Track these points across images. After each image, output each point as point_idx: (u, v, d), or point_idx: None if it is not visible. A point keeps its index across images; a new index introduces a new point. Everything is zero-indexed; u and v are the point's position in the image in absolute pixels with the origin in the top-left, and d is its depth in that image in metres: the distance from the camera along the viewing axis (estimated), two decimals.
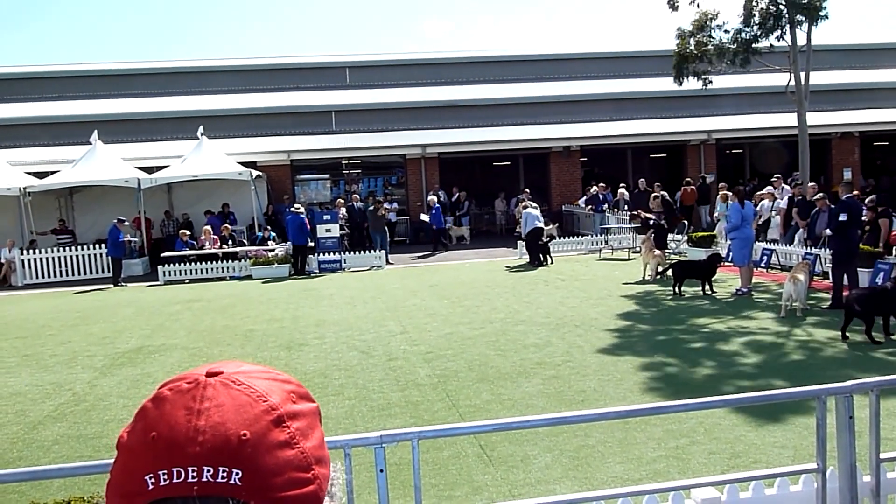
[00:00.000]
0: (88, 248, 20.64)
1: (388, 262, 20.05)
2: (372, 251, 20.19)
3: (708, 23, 19.10)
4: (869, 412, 3.65)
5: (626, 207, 22.80)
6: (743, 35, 18.89)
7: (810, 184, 15.95)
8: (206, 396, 0.83)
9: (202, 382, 0.84)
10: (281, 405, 0.84)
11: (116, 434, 4.20)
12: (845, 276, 11.37)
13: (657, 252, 15.64)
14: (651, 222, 18.31)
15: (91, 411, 7.71)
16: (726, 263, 14.72)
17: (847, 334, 9.10)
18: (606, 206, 23.46)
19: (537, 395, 7.48)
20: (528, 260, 18.49)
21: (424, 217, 22.94)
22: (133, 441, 0.84)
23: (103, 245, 19.95)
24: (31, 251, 20.48)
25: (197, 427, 0.80)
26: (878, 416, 3.64)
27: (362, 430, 6.64)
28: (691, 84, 20.73)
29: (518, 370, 8.45)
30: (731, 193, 15.03)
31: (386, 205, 23.51)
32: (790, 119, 21.30)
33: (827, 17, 18.18)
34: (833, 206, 13.17)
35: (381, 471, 3.10)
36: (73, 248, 20.85)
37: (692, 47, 19.20)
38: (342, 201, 23.67)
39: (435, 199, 23.05)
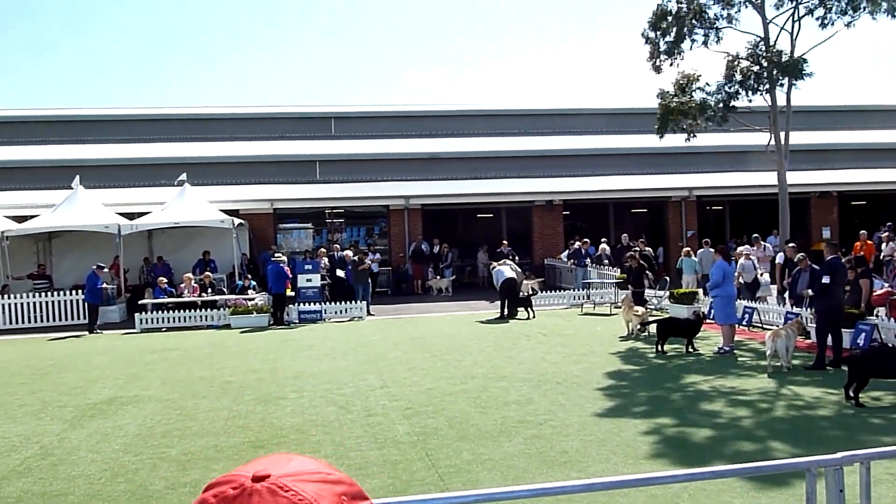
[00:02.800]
0: (65, 294, 20.32)
1: (369, 313, 19.89)
2: (353, 301, 20.02)
3: (690, 84, 19.44)
4: (859, 485, 3.57)
5: (607, 262, 22.87)
6: (724, 92, 19.20)
7: (790, 244, 16.06)
8: None
9: (248, 489, 0.80)
10: None
11: (83, 491, 4.04)
12: (829, 336, 11.37)
13: (638, 309, 15.62)
14: (632, 277, 18.32)
15: (58, 466, 7.44)
16: (708, 321, 14.71)
17: (850, 395, 9.00)
18: (588, 260, 23.52)
19: (519, 455, 7.32)
20: (507, 313, 18.37)
21: (340, 273, 22.00)
22: None
23: (81, 291, 19.65)
24: (5, 296, 20.12)
25: None
26: (868, 488, 3.56)
27: None
28: (673, 141, 21.03)
29: (499, 429, 8.29)
30: (713, 250, 15.13)
31: (369, 256, 23.44)
32: (770, 177, 21.62)
33: (811, 75, 18.52)
34: (815, 266, 13.27)
35: None
36: (49, 293, 20.52)
37: (673, 108, 19.49)
38: (324, 251, 23.58)
39: (349, 253, 22.48)
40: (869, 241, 20.54)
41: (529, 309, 18.56)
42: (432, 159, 29.35)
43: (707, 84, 19.52)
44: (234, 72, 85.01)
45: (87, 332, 18.19)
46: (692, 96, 19.40)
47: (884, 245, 20.13)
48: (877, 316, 13.14)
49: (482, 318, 18.39)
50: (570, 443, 7.68)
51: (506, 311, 18.41)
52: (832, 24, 18.84)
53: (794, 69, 18.31)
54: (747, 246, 19.63)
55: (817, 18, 18.87)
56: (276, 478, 0.81)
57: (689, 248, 21.12)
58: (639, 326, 15.07)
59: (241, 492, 0.80)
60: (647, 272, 18.76)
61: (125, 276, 21.91)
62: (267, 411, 9.49)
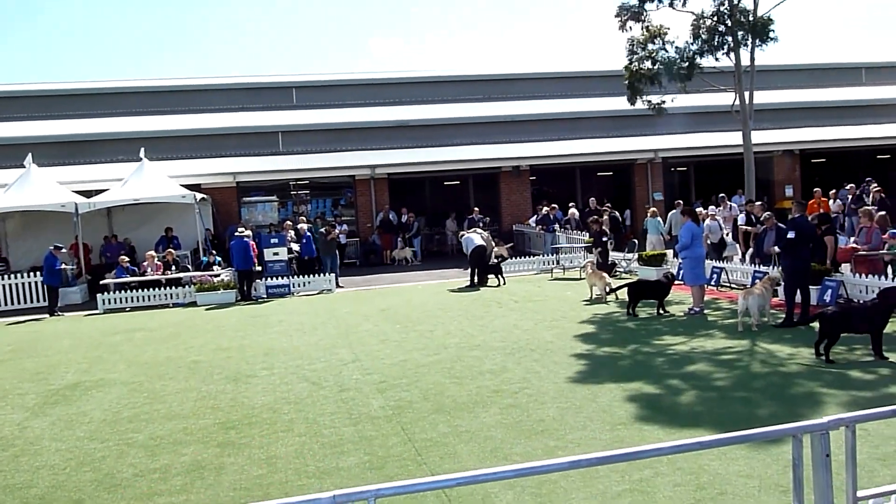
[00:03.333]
0: (23, 277, 19.76)
1: (338, 286, 19.68)
2: (322, 274, 19.77)
3: (659, 36, 19.27)
4: (845, 449, 3.52)
5: (575, 226, 22.88)
6: (689, 51, 19.10)
7: (757, 202, 16.15)
8: None
9: None
10: None
11: (47, 483, 3.80)
12: (798, 293, 11.45)
13: (601, 273, 15.62)
14: (603, 239, 18.35)
15: (21, 457, 7.19)
16: (677, 282, 14.76)
17: (821, 352, 9.07)
18: (557, 225, 23.50)
19: (496, 425, 7.24)
20: (477, 281, 18.31)
21: (295, 246, 21.13)
22: None
23: (39, 273, 19.11)
24: None
25: None
26: (854, 452, 3.51)
27: (314, 470, 6.32)
28: (639, 103, 20.95)
29: (475, 399, 8.20)
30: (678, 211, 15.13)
31: (337, 227, 23.15)
32: (735, 137, 21.70)
33: (776, 40, 18.53)
34: (781, 224, 13.33)
35: None
36: (6, 276, 19.93)
37: (642, 64, 19.31)
38: (290, 224, 23.23)
39: (305, 227, 21.88)
40: (824, 199, 20.68)
41: (500, 276, 18.50)
42: (398, 127, 28.98)
43: (677, 37, 19.40)
44: (190, 42, 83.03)
45: (47, 315, 17.74)
46: (664, 48, 19.21)
47: (831, 202, 20.43)
48: (842, 272, 13.27)
49: (453, 287, 18.30)
50: (547, 411, 7.62)
51: (476, 278, 18.33)
52: None
53: (761, 31, 18.27)
54: (713, 207, 19.73)
55: None
56: None
57: (654, 209, 21.16)
58: (606, 290, 15.05)
59: None
60: (610, 237, 18.81)
61: (88, 256, 21.38)
62: (237, 390, 9.30)
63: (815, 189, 21.17)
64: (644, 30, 19.30)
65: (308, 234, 21.28)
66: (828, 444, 3.45)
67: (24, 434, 7.97)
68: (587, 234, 20.99)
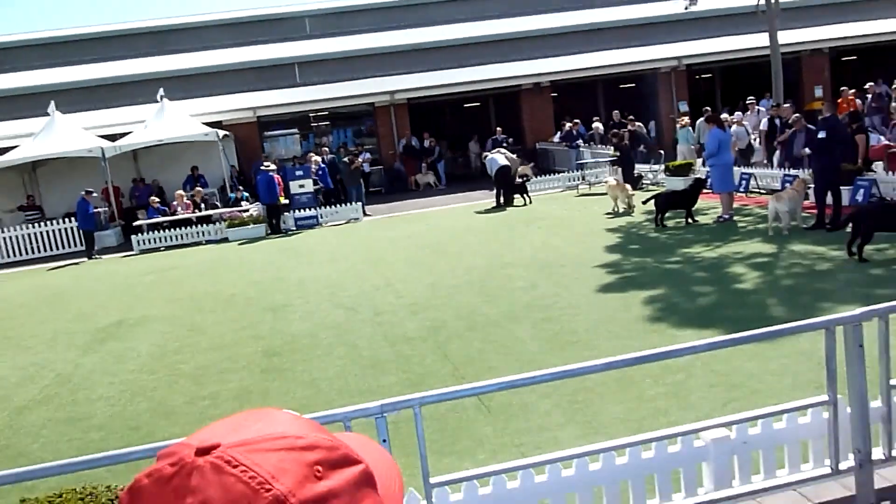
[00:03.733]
0: (58, 223, 20.14)
1: (365, 214, 19.81)
2: (348, 203, 19.89)
3: None
4: (879, 338, 3.57)
5: (600, 141, 22.63)
6: None
7: (786, 104, 15.80)
8: (190, 488, 0.60)
9: (188, 466, 0.61)
10: (295, 490, 0.61)
11: (105, 413, 4.01)
12: (829, 195, 11.32)
13: (624, 185, 15.68)
14: (616, 156, 18.22)
15: (77, 392, 7.52)
16: (706, 191, 14.64)
17: (853, 251, 9.03)
18: (581, 141, 23.24)
19: (529, 339, 7.40)
20: (503, 201, 18.31)
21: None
22: None
23: (73, 219, 19.46)
24: None
25: None
26: (887, 342, 3.57)
27: (355, 389, 6.54)
28: (659, 9, 20.36)
29: (507, 315, 8.35)
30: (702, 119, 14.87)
31: (360, 156, 23.12)
32: (760, 39, 21.05)
33: None
34: (811, 126, 13.08)
35: (384, 441, 2.97)
36: (42, 223, 20.34)
37: None
38: (313, 155, 23.24)
39: (318, 158, 21.29)
40: (851, 98, 20.08)
41: (525, 195, 18.46)
42: (414, 51, 28.51)
43: None
44: None
45: (85, 259, 18.14)
46: None
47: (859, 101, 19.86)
48: (874, 171, 13.05)
49: (479, 209, 18.33)
50: (579, 323, 7.75)
51: (502, 199, 18.32)
52: None
53: None
54: (739, 113, 19.33)
55: None
56: (224, 449, 0.61)
57: (685, 119, 20.77)
58: (629, 202, 15.05)
59: (180, 469, 0.61)
60: (633, 150, 18.59)
61: (119, 199, 21.68)
62: (276, 319, 9.55)
63: (842, 88, 20.54)
64: None
65: (323, 165, 21.24)
66: (860, 334, 3.51)
67: (77, 371, 8.32)
68: (611, 148, 20.81)
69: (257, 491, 0.60)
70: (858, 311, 3.44)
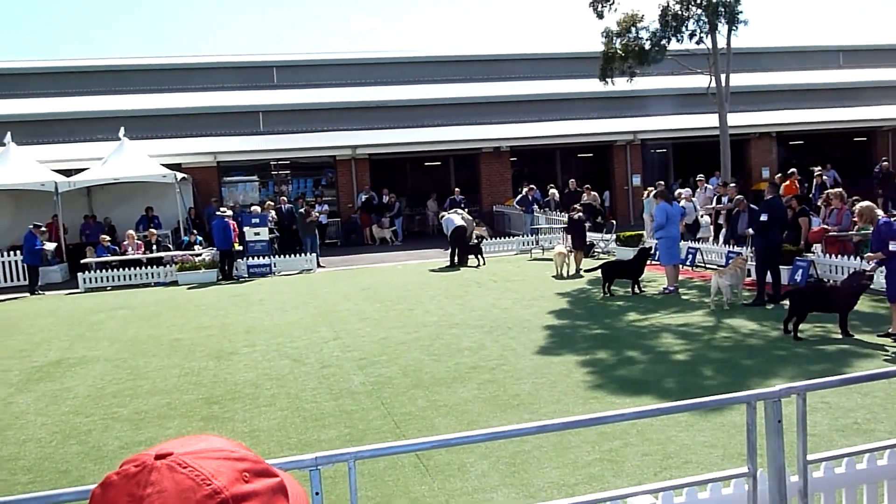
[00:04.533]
0: (2, 256, 19.68)
1: (319, 266, 19.80)
2: (302, 254, 19.88)
3: (634, 25, 19.51)
4: (796, 415, 3.74)
5: (555, 207, 23.11)
6: (657, 36, 19.36)
7: (732, 184, 16.44)
8: (150, 482, 0.81)
9: (148, 466, 0.82)
10: (227, 487, 0.82)
11: (35, 455, 4.01)
12: (768, 274, 11.75)
13: (560, 250, 16.35)
14: (575, 216, 18.60)
15: (6, 431, 7.32)
16: (654, 262, 15.05)
17: (789, 328, 9.36)
18: (536, 206, 23.70)
19: (473, 400, 7.47)
20: (457, 261, 18.53)
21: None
22: None
23: (18, 252, 19.05)
24: None
25: None
26: (804, 418, 3.74)
27: (295, 442, 6.51)
28: (618, 85, 21.14)
29: (453, 375, 8.42)
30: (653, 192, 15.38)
31: (317, 207, 23.20)
32: (712, 119, 21.95)
33: (745, 23, 18.81)
34: (753, 206, 13.62)
35: (317, 493, 3.01)
36: None
37: (618, 48, 19.58)
38: (271, 203, 23.25)
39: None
40: (796, 180, 20.84)
41: (479, 256, 18.70)
42: (378, 108, 28.97)
43: (652, 22, 19.58)
44: (170, 20, 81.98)
45: (28, 294, 17.72)
46: (637, 35, 19.45)
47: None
48: (814, 253, 13.59)
49: (433, 267, 18.48)
50: (523, 386, 7.86)
51: (456, 258, 18.52)
52: None
53: (729, 15, 18.51)
54: (687, 189, 20.00)
55: None
56: (178, 455, 0.83)
57: (651, 189, 21.37)
58: (564, 264, 15.92)
59: (142, 469, 0.83)
60: (587, 219, 18.98)
61: (65, 235, 21.30)
62: (220, 367, 9.45)
63: (790, 171, 21.42)
64: (617, 19, 19.55)
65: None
66: (779, 410, 3.68)
67: (9, 409, 8.10)
68: (566, 216, 21.28)
69: (200, 485, 0.81)
70: (778, 387, 3.62)
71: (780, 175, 20.52)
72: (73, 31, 77.32)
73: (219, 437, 0.90)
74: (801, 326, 9.33)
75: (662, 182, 20.09)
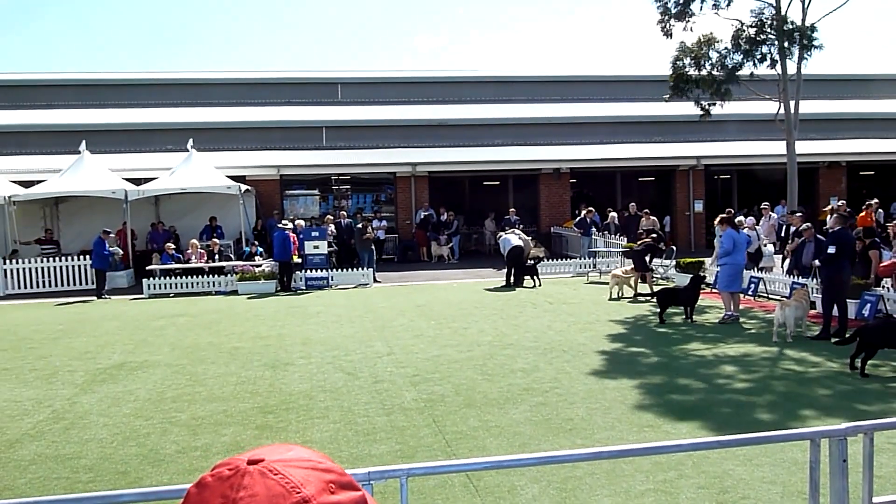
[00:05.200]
0: (73, 259, 20.43)
1: (375, 280, 19.97)
2: (359, 268, 20.10)
3: (709, 45, 19.24)
4: (863, 455, 3.62)
5: (614, 231, 22.88)
6: (728, 62, 19.03)
7: (798, 213, 16.01)
8: (243, 485, 0.85)
9: (241, 470, 0.87)
10: (315, 497, 0.86)
11: (95, 454, 4.14)
12: (835, 307, 11.38)
13: (617, 273, 16.42)
14: (640, 248, 18.32)
15: (70, 430, 7.56)
16: (712, 290, 14.73)
17: (856, 365, 9.06)
18: (595, 229, 23.50)
19: (524, 422, 7.40)
20: (513, 281, 18.47)
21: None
22: None
23: (88, 256, 19.75)
24: (13, 261, 20.24)
25: None
26: (871, 459, 3.61)
27: (347, 455, 6.55)
28: (682, 109, 20.87)
29: (505, 396, 8.37)
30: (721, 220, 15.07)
31: (374, 223, 23.47)
32: (779, 147, 21.47)
33: (820, 48, 18.38)
34: (821, 237, 13.25)
35: None
36: (56, 258, 20.63)
37: (688, 67, 19.30)
38: (331, 218, 23.61)
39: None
40: (871, 211, 20.14)
41: (536, 277, 18.61)
42: (440, 126, 29.21)
43: (724, 49, 19.26)
44: (240, 36, 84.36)
45: (95, 298, 18.32)
46: (709, 54, 19.15)
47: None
48: (884, 287, 13.12)
49: (489, 286, 18.45)
50: (576, 410, 7.76)
51: (512, 279, 18.46)
52: None
53: (803, 39, 18.10)
54: (751, 217, 19.55)
55: None
56: (269, 462, 0.88)
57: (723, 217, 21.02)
58: (617, 291, 16.00)
59: (235, 472, 0.87)
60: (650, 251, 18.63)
61: (134, 241, 22.02)
62: (275, 377, 9.59)
63: (868, 202, 20.53)
64: (695, 36, 19.31)
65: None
66: (845, 449, 3.56)
67: (73, 408, 8.36)
68: (625, 239, 21.08)
69: (290, 492, 0.85)
70: (844, 425, 3.50)
71: (837, 204, 19.70)
72: (146, 44, 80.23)
73: (305, 448, 0.94)
74: (868, 363, 9.00)
75: (732, 210, 19.71)
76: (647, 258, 17.28)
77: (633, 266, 16.81)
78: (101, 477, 6.19)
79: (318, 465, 0.90)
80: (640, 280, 16.52)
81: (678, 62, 19.55)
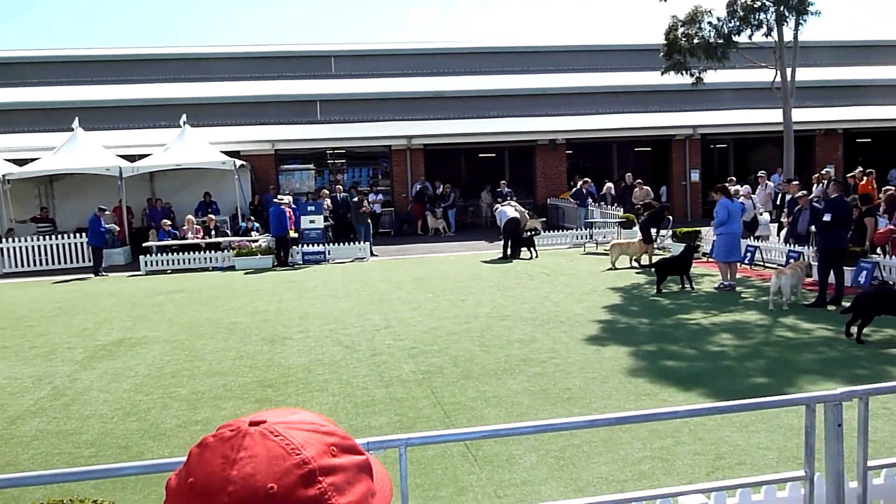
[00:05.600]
0: (69, 237, 20.38)
1: (372, 254, 19.97)
2: (356, 242, 20.09)
3: (699, 17, 19.10)
4: (857, 419, 3.64)
5: (611, 202, 22.85)
6: (725, 28, 18.88)
7: (794, 181, 16.00)
8: (244, 446, 0.86)
9: (242, 431, 0.87)
10: (315, 459, 0.86)
11: (96, 429, 4.18)
12: (832, 274, 11.41)
13: (612, 243, 16.68)
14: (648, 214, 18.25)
15: (71, 406, 7.60)
16: (710, 259, 14.76)
17: (852, 332, 9.10)
18: (591, 200, 23.47)
19: (522, 392, 7.45)
20: (510, 253, 18.48)
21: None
22: (175, 484, 0.88)
23: (84, 234, 19.70)
24: (9, 239, 20.19)
25: (229, 477, 0.84)
26: (866, 423, 3.63)
27: (346, 427, 6.55)
28: (677, 78, 20.76)
29: (503, 367, 8.42)
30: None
31: (370, 196, 23.42)
32: (775, 115, 21.40)
33: (818, 14, 18.24)
34: (816, 205, 13.25)
35: None
36: (53, 236, 20.58)
37: (681, 39, 19.18)
38: (327, 192, 23.54)
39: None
40: (870, 179, 20.05)
41: (532, 249, 18.62)
42: (434, 98, 29.02)
43: (717, 17, 19.11)
44: (231, 10, 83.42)
45: (92, 275, 18.32)
46: (700, 27, 19.02)
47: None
48: (879, 254, 13.15)
49: (485, 259, 18.47)
50: (573, 380, 7.81)
51: (508, 251, 18.48)
52: None
53: (800, 5, 17.96)
54: (746, 186, 19.53)
55: None
56: (270, 424, 0.88)
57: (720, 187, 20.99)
58: (615, 259, 16.24)
59: (236, 433, 0.87)
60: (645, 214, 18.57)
61: (130, 218, 21.96)
62: (274, 351, 9.63)
63: (868, 170, 20.37)
64: (689, 5, 19.15)
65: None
66: (840, 414, 3.58)
67: (73, 385, 8.40)
68: (622, 209, 21.10)
69: (290, 454, 0.85)
70: (839, 390, 3.52)
71: (822, 172, 19.54)
72: (137, 20, 79.32)
73: (310, 412, 0.94)
74: (864, 330, 9.05)
75: (734, 178, 19.64)
76: (655, 231, 17.20)
77: (640, 238, 16.76)
78: (103, 452, 6.24)
79: (320, 427, 0.90)
80: (644, 252, 16.50)
81: (671, 34, 19.42)
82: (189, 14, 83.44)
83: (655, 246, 18.57)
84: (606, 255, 18.59)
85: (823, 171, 18.70)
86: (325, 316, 11.88)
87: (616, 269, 15.88)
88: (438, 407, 7.08)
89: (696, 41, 19.01)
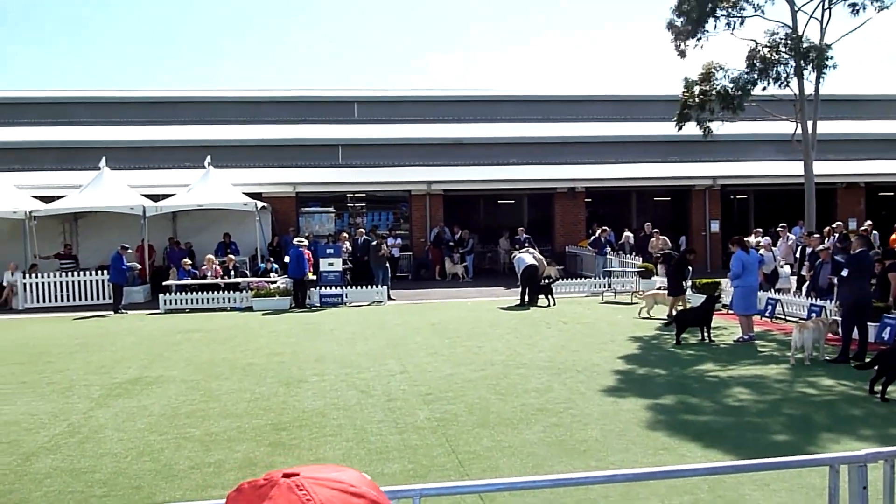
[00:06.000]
0: (91, 274, 20.59)
1: (389, 298, 19.98)
2: (374, 286, 20.13)
3: (714, 72, 19.26)
4: (883, 482, 3.56)
5: (629, 251, 22.79)
6: (742, 80, 18.99)
7: (815, 234, 15.89)
8: (269, 496, 0.90)
9: (273, 482, 0.92)
10: None
11: (110, 469, 4.16)
12: (856, 330, 11.23)
13: (648, 293, 16.46)
14: (663, 261, 18.16)
15: (85, 444, 7.59)
16: (730, 312, 14.61)
17: (876, 389, 8.93)
18: (609, 248, 23.42)
19: (538, 443, 7.36)
20: (527, 300, 18.40)
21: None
22: None
23: (106, 271, 19.91)
24: (32, 275, 20.44)
25: None
26: (892, 486, 3.55)
27: None
28: (697, 129, 20.83)
29: (519, 416, 8.33)
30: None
31: (389, 240, 23.52)
32: (796, 167, 21.34)
33: (834, 67, 18.33)
34: (837, 259, 13.13)
35: None
36: (75, 273, 20.81)
37: (695, 97, 19.34)
38: (346, 235, 23.67)
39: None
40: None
41: (550, 296, 18.55)
42: (455, 145, 29.29)
43: (729, 71, 19.27)
44: (257, 55, 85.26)
45: (112, 312, 18.45)
46: (713, 85, 19.18)
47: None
48: None
49: (503, 305, 18.42)
50: (590, 431, 7.71)
51: (526, 298, 18.42)
52: (864, 9, 18.56)
53: (818, 59, 18.05)
54: (767, 238, 19.43)
55: (850, 5, 18.58)
56: (301, 478, 0.91)
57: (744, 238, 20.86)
58: (648, 311, 16.01)
59: (268, 483, 0.91)
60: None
61: (152, 257, 22.20)
62: (289, 394, 9.60)
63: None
64: (702, 63, 19.35)
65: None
66: (865, 476, 3.51)
67: (89, 423, 8.40)
68: (641, 259, 21.03)
69: None
70: (864, 451, 3.45)
71: (833, 226, 19.31)
72: (165, 63, 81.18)
73: (356, 472, 0.97)
74: (888, 388, 8.88)
75: (760, 230, 19.53)
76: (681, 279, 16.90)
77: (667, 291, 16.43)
78: (115, 491, 6.21)
79: (349, 488, 0.92)
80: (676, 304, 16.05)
81: (687, 95, 19.62)
82: (214, 58, 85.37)
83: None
84: (624, 304, 18.51)
85: (835, 225, 18.58)
86: (341, 359, 11.85)
87: (651, 318, 15.83)
88: (453, 455, 7.00)
89: (711, 95, 19.12)
